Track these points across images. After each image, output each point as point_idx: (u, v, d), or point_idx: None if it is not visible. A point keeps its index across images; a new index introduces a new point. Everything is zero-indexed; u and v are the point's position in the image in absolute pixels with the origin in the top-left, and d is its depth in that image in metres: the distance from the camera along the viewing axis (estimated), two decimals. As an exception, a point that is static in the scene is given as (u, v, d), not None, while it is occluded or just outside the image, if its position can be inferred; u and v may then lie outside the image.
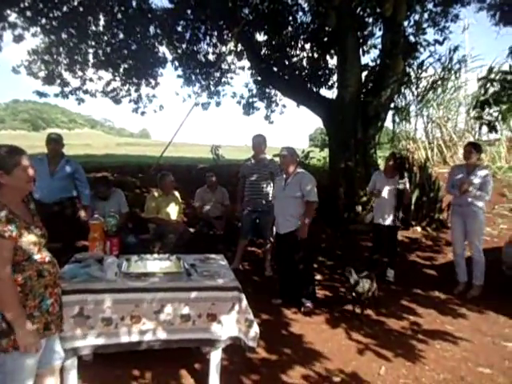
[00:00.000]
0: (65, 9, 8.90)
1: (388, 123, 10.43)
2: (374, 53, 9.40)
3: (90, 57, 10.12)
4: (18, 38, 8.60)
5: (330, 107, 7.57)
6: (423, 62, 9.47)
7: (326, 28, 8.57)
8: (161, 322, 2.43)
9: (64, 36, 9.41)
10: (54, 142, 4.39)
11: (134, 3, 9.52)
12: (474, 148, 4.37)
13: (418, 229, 6.65)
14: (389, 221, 4.81)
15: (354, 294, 3.82)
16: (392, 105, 8.45)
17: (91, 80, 10.54)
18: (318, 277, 4.84)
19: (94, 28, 9.70)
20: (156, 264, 2.82)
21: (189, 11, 9.84)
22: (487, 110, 5.21)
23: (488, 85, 6.10)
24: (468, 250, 4.57)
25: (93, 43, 9.98)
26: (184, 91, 26.07)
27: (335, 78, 9.20)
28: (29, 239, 1.78)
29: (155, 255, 3.07)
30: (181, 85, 11.26)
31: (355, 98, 7.04)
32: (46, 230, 1.96)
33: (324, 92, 9.63)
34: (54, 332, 1.86)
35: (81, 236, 4.78)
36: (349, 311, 4.01)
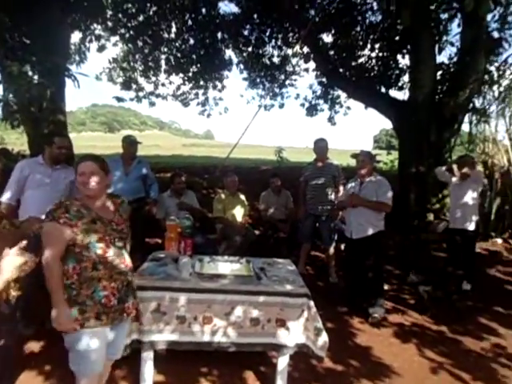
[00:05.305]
0: (141, 18, 9.51)
1: (464, 125, 9.70)
2: (451, 50, 8.84)
3: (163, 62, 10.74)
4: (101, 48, 9.35)
5: (400, 109, 7.24)
6: (507, 58, 8.66)
7: (398, 27, 8.22)
8: (231, 324, 2.49)
9: (140, 44, 10.05)
10: (130, 144, 4.58)
11: (203, 10, 9.90)
12: None
13: (499, 240, 6.12)
14: (470, 226, 4.48)
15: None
16: (470, 105, 7.82)
17: (163, 85, 11.17)
18: (386, 287, 4.63)
19: (166, 35, 10.26)
20: (227, 266, 2.89)
21: (255, 15, 10.00)
22: None
23: None
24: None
25: (165, 50, 10.56)
26: (248, 93, 26.63)
27: (406, 78, 8.79)
28: (90, 230, 1.91)
29: (226, 257, 3.15)
30: (245, 87, 11.49)
31: (429, 99, 6.65)
32: (127, 228, 2.10)
33: (394, 93, 9.25)
34: (105, 323, 1.94)
35: (151, 233, 5.07)
36: (419, 325, 3.80)
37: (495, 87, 9.45)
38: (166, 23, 9.92)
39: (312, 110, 11.09)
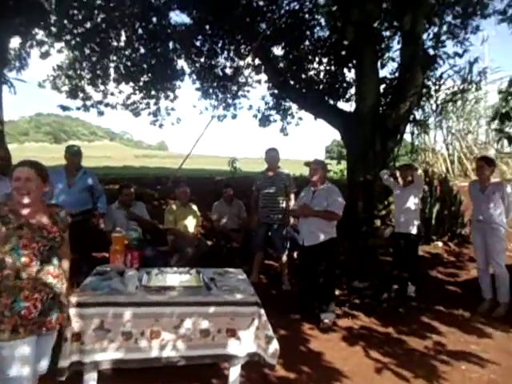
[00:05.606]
0: (88, 25, 9.19)
1: (406, 135, 10.32)
2: (392, 66, 9.40)
3: (112, 71, 10.41)
4: (45, 55, 8.91)
5: (347, 120, 7.53)
6: (442, 74, 9.38)
7: (344, 42, 8.61)
8: (180, 337, 2.42)
9: (87, 51, 9.69)
10: (73, 154, 4.43)
11: (154, 19, 9.79)
12: (486, 163, 4.27)
13: (440, 244, 6.50)
14: (413, 229, 4.72)
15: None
16: (411, 117, 8.34)
17: (112, 94, 10.81)
18: (336, 292, 4.75)
19: (115, 43, 9.98)
20: (176, 277, 2.82)
21: (207, 26, 10.05)
22: (507, 123, 5.15)
23: (509, 98, 5.98)
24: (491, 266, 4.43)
25: (114, 58, 10.26)
26: (201, 104, 26.55)
27: (353, 90, 9.19)
28: (14, 236, 1.83)
29: (175, 268, 3.08)
30: (198, 97, 11.46)
31: (373, 111, 6.98)
32: (60, 237, 2.01)
33: (341, 105, 9.62)
34: (22, 336, 1.82)
35: (99, 247, 4.85)
36: (367, 328, 3.93)
37: (433, 101, 10.20)
38: (114, 31, 9.66)
39: (264, 121, 11.26)
